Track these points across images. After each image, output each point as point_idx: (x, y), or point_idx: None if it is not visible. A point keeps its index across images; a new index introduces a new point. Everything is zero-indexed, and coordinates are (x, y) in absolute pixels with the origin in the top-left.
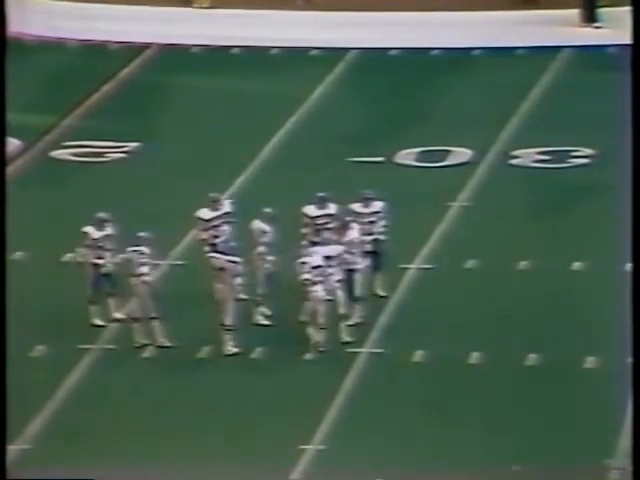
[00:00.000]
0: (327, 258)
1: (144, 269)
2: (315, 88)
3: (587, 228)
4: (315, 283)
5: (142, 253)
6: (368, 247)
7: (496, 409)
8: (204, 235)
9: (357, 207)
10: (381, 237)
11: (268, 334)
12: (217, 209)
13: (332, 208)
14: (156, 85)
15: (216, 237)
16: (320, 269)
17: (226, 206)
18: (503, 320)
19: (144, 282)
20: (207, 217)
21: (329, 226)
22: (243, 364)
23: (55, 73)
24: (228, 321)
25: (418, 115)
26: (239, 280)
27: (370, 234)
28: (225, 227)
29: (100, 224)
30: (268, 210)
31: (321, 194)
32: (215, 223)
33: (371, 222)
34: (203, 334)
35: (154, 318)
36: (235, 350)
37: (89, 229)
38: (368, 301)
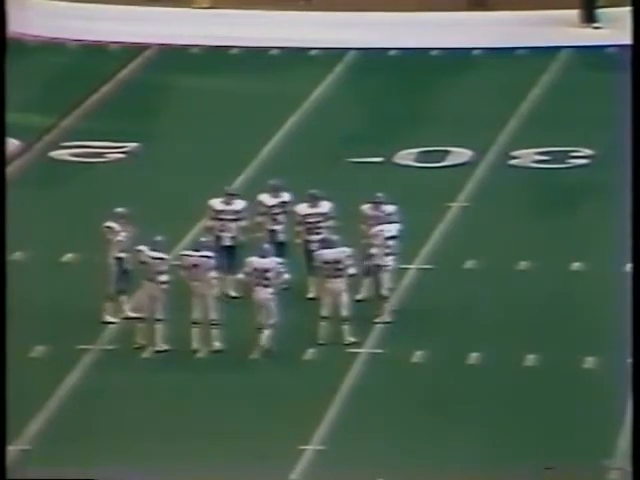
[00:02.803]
0: (335, 261)
1: (163, 277)
2: (315, 88)
3: (587, 228)
4: (258, 285)
5: (160, 259)
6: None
7: (496, 409)
8: (210, 224)
9: (366, 209)
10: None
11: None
12: (229, 204)
13: (325, 207)
14: (156, 85)
15: (222, 231)
16: (268, 273)
17: (238, 204)
18: (503, 320)
19: (162, 289)
20: (218, 208)
21: (322, 225)
22: (243, 364)
23: (55, 73)
24: (213, 315)
25: (418, 115)
26: (214, 274)
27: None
28: (231, 224)
29: (120, 219)
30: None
31: (312, 191)
32: (223, 217)
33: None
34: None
35: (159, 320)
36: (220, 346)
37: (112, 224)
38: (368, 302)
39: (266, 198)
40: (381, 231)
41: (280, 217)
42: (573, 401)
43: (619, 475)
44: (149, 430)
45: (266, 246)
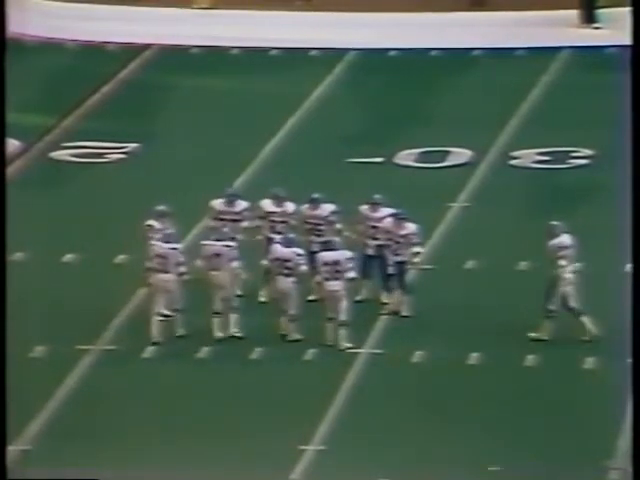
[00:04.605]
0: (335, 263)
1: (182, 268)
2: (315, 89)
3: (587, 228)
4: (280, 274)
5: (178, 250)
6: (370, 251)
7: (496, 409)
8: (212, 224)
9: (365, 210)
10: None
11: (268, 333)
12: (230, 205)
13: (324, 210)
14: (156, 85)
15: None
16: (289, 263)
17: (239, 205)
18: (503, 320)
19: (179, 280)
20: (220, 209)
21: (321, 228)
22: (243, 364)
23: (55, 74)
24: (235, 304)
25: (418, 115)
26: (236, 264)
27: (375, 239)
28: (233, 225)
29: (160, 217)
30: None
31: (315, 195)
32: (225, 217)
33: (374, 227)
34: (202, 334)
35: (179, 310)
36: (239, 333)
37: (152, 222)
38: (367, 302)
39: (267, 204)
40: (404, 228)
41: (278, 226)
42: (573, 401)
43: (619, 475)
44: (149, 430)
45: (290, 235)
